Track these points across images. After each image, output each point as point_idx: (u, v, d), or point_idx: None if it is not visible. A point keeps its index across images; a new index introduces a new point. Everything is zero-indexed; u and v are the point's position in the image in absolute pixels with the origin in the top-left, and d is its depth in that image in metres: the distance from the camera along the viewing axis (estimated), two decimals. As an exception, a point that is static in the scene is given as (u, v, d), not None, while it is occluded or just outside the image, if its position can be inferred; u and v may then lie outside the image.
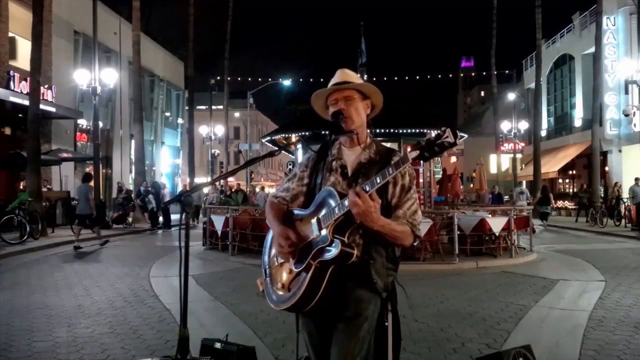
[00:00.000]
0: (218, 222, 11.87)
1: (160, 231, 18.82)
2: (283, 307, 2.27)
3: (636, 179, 18.51)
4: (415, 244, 9.18)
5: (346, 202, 2.10)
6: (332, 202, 2.18)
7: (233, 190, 20.82)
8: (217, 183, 23.20)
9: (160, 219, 19.97)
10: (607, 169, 27.46)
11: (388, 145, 2.46)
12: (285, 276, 2.29)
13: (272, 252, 2.44)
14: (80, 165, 23.63)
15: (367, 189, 2.08)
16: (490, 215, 11.12)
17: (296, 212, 2.40)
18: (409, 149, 2.09)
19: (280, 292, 2.31)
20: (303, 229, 2.30)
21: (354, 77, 2.45)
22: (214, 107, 35.70)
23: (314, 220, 2.24)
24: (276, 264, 2.38)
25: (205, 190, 22.08)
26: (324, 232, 2.18)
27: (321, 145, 2.49)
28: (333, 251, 2.12)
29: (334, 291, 2.18)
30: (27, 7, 17.50)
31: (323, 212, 2.21)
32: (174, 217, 20.61)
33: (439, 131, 1.98)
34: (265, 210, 2.52)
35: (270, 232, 2.49)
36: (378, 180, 2.08)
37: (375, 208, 2.07)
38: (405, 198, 2.29)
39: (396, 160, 2.09)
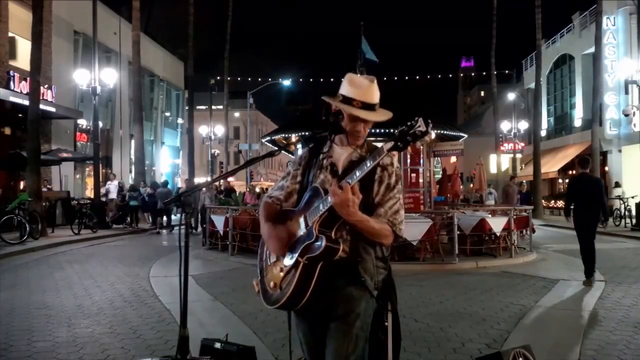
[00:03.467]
0: (218, 222, 11.88)
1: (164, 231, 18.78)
2: (275, 305, 2.29)
3: None
4: (414, 244, 9.06)
5: (329, 198, 2.13)
6: (318, 199, 2.22)
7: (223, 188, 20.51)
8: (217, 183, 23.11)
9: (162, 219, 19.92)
10: (607, 169, 27.45)
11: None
12: (277, 275, 2.31)
13: (264, 251, 2.47)
14: (80, 165, 23.64)
15: (349, 182, 2.13)
16: (490, 215, 11.13)
17: (288, 211, 2.43)
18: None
19: (273, 291, 2.32)
20: (292, 227, 2.33)
21: (378, 94, 2.36)
22: (214, 107, 35.69)
23: (301, 218, 2.28)
24: (269, 263, 2.40)
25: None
26: (310, 228, 2.21)
27: (314, 143, 2.51)
28: (318, 247, 2.14)
29: (324, 289, 2.19)
30: (27, 7, 17.50)
31: (310, 209, 2.25)
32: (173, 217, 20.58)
33: (411, 121, 2.04)
34: (259, 210, 2.55)
35: None
36: (357, 174, 2.13)
37: (353, 201, 2.10)
38: (388, 197, 2.30)
39: (373, 154, 2.14)
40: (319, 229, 2.18)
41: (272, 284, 2.33)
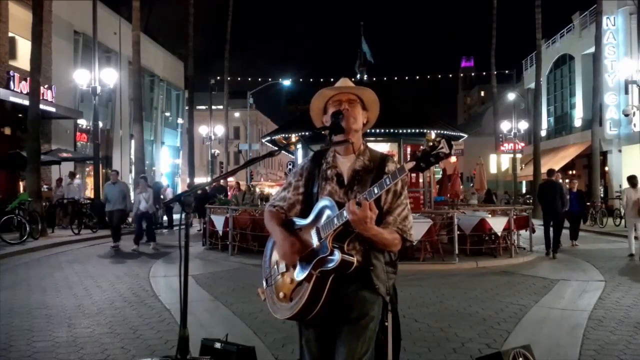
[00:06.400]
0: (218, 222, 11.87)
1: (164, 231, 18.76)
2: (285, 316, 2.29)
3: None
4: (414, 243, 9.12)
5: (345, 213, 2.13)
6: (331, 212, 2.21)
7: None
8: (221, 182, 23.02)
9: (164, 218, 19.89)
10: (607, 169, 27.45)
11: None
12: (286, 286, 2.31)
13: (272, 260, 2.44)
14: (80, 165, 23.62)
15: (367, 199, 2.13)
16: (490, 215, 11.13)
17: (295, 221, 2.41)
18: (402, 161, 2.14)
19: (282, 302, 2.32)
20: (303, 238, 2.31)
21: (352, 85, 2.54)
22: (214, 107, 35.67)
23: (313, 231, 2.27)
24: (277, 273, 2.38)
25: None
26: (323, 242, 2.20)
27: (314, 153, 2.51)
28: (333, 261, 2.14)
29: (335, 297, 2.20)
30: (27, 7, 17.49)
31: (322, 222, 2.24)
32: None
33: (434, 142, 2.05)
34: (264, 219, 2.52)
35: (271, 240, 2.49)
36: (376, 191, 2.13)
37: (372, 218, 2.11)
38: (396, 204, 2.32)
39: (393, 171, 2.15)
40: (332, 242, 2.18)
41: (281, 294, 2.33)
